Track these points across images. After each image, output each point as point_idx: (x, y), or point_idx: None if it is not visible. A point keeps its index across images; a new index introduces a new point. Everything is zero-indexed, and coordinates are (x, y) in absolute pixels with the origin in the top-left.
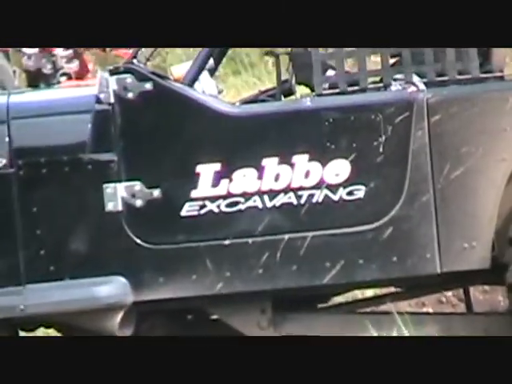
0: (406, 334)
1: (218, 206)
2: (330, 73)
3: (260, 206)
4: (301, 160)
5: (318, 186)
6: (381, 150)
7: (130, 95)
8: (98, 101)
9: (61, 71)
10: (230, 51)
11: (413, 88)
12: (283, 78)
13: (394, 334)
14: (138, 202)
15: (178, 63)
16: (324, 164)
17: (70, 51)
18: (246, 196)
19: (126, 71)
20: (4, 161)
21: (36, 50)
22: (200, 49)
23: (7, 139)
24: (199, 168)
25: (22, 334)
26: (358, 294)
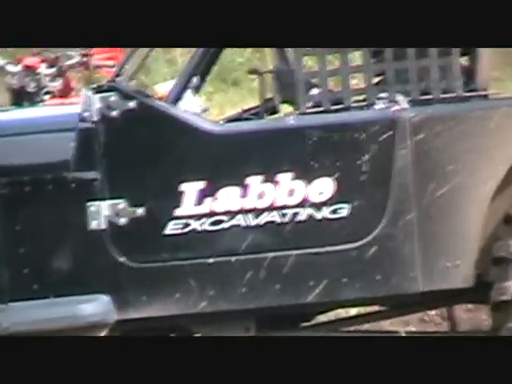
0: None
1: (202, 225)
2: (314, 91)
3: (244, 224)
4: (285, 178)
5: (301, 205)
6: (364, 168)
7: (114, 113)
8: (82, 119)
9: (44, 89)
10: (215, 69)
11: (396, 107)
12: (267, 96)
13: None
14: (122, 221)
15: (162, 81)
16: (308, 182)
17: (54, 69)
18: (230, 214)
19: (110, 89)
20: None
21: (20, 68)
22: (184, 66)
23: None
24: (183, 186)
25: None
26: (342, 312)
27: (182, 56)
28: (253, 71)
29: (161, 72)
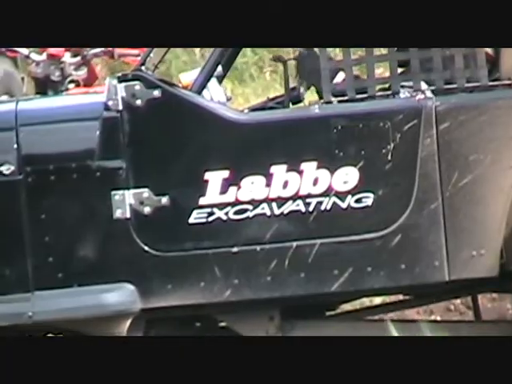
0: None
1: (226, 214)
2: (341, 75)
3: (268, 213)
4: (309, 167)
5: (326, 194)
6: (389, 157)
7: (139, 102)
8: (107, 108)
9: (69, 78)
10: (236, 61)
11: (421, 95)
12: (291, 85)
13: None
14: (146, 209)
15: (182, 71)
16: (332, 171)
17: (78, 58)
18: (254, 203)
19: (135, 78)
20: (12, 167)
21: (44, 57)
22: (208, 55)
23: (15, 146)
24: (207, 175)
25: None
26: (366, 301)
27: None
28: (276, 59)
29: (181, 61)
